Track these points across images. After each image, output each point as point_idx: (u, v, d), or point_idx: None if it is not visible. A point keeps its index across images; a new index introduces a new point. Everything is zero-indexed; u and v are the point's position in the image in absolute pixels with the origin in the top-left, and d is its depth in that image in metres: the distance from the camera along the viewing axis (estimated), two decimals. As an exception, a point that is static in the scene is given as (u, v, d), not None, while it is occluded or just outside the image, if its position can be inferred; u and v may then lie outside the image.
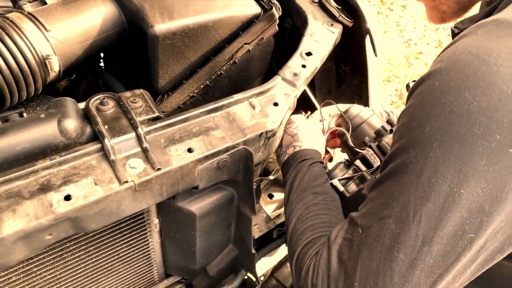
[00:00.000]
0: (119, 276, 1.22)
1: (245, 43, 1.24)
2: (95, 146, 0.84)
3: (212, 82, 1.25)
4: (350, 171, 1.08)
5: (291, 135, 1.12)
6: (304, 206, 0.94)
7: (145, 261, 1.25)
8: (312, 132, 1.13)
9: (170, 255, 1.23)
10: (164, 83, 1.19)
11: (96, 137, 0.85)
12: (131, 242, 1.13)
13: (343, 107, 1.23)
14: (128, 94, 0.96)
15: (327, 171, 1.12)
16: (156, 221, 1.11)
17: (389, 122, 1.15)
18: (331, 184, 1.04)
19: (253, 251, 1.15)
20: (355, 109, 1.20)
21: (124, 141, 0.86)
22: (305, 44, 1.18)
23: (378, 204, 0.68)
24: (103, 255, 1.08)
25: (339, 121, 1.22)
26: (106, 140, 0.83)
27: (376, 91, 1.43)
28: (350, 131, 1.15)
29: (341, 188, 1.04)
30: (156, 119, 0.93)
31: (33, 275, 0.96)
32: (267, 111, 1.02)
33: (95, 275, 1.13)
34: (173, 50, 1.12)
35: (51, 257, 0.95)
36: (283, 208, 1.20)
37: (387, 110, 1.30)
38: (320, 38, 1.22)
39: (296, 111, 1.26)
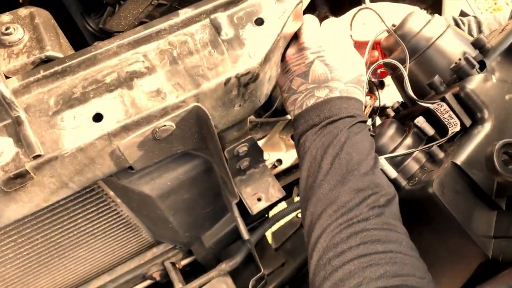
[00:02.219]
0: (104, 244, 1.01)
1: None
2: None
3: (187, -19, 0.80)
4: (409, 138, 0.62)
5: (309, 63, 0.64)
6: (343, 217, 0.53)
7: (126, 227, 1.00)
8: (344, 58, 0.65)
9: (148, 225, 0.96)
10: (108, -13, 0.77)
11: None
12: (98, 211, 0.87)
13: (392, 11, 0.72)
14: (5, 17, 0.57)
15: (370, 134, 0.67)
16: (111, 193, 0.81)
17: (476, 44, 0.62)
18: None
19: (246, 237, 0.82)
20: (415, 21, 0.69)
21: (-22, 109, 0.51)
22: None
23: None
24: (71, 229, 0.85)
25: (390, 41, 0.72)
26: None
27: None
28: (408, 62, 0.65)
29: (394, 174, 0.60)
30: (47, 61, 0.55)
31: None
32: (242, 36, 0.58)
33: (77, 247, 0.93)
34: None
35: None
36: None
37: (473, 16, 0.76)
38: None
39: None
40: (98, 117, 0.53)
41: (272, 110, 1.07)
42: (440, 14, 1.01)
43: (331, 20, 0.74)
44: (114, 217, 0.91)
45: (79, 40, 0.80)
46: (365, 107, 0.72)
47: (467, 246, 0.51)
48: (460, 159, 0.54)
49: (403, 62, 0.66)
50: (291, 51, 0.66)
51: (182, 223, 0.89)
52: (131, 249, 1.08)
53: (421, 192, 0.54)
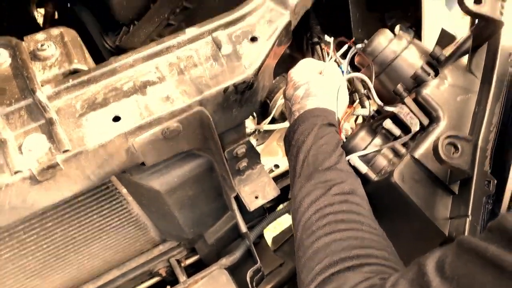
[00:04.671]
0: (115, 240, 1.09)
1: None
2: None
3: (192, 3, 0.91)
4: (378, 139, 0.72)
5: (295, 88, 0.76)
6: (313, 206, 0.63)
7: (135, 225, 1.09)
8: (324, 82, 0.76)
9: (156, 223, 1.05)
10: (123, 10, 0.88)
11: (-18, 106, 0.61)
12: (111, 208, 0.96)
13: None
14: (40, 36, 0.68)
15: (345, 138, 0.77)
16: (124, 190, 0.90)
17: (433, 55, 0.72)
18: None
19: (244, 229, 0.91)
20: (382, 38, 0.79)
21: (18, 111, 0.61)
22: None
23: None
24: (87, 224, 0.94)
25: (360, 58, 0.82)
26: (-11, 112, 0.59)
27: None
28: (373, 75, 0.76)
29: (364, 169, 0.69)
30: (74, 73, 0.66)
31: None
32: (240, 51, 0.68)
33: (90, 243, 1.02)
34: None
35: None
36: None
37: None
38: None
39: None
40: (116, 119, 0.63)
41: (269, 119, 1.17)
42: (420, 32, 1.11)
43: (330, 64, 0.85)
44: (125, 214, 1.00)
45: (96, 56, 0.91)
46: (345, 114, 0.82)
47: (428, 228, 0.60)
48: (418, 152, 0.64)
49: (375, 74, 0.77)
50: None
51: (187, 219, 0.98)
52: (139, 246, 1.17)
53: (385, 182, 0.64)
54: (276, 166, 1.24)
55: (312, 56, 1.17)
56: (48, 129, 0.61)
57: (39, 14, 1.35)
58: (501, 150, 0.64)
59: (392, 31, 1.19)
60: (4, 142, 0.59)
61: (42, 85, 0.63)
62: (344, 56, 0.95)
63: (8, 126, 0.60)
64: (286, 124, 1.21)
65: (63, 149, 0.60)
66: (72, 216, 0.90)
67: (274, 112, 1.15)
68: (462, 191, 0.60)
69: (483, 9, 0.66)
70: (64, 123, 0.62)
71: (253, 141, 1.21)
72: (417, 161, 0.63)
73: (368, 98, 0.85)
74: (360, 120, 0.99)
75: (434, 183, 0.62)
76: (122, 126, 0.63)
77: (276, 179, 1.25)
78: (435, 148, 0.57)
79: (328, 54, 0.94)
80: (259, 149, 1.24)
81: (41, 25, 1.20)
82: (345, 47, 0.91)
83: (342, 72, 0.86)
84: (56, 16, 1.17)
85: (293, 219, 0.65)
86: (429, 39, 1.17)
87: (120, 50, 0.94)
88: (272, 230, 1.69)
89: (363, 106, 0.90)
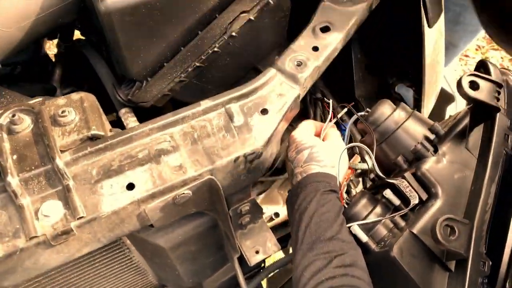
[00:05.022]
0: (114, 285, 1.10)
1: (243, 11, 0.90)
2: (-2, 185, 0.63)
3: (204, 62, 0.95)
4: (378, 207, 0.75)
5: (298, 151, 0.80)
6: (314, 279, 0.64)
7: (135, 272, 1.10)
8: (326, 148, 0.81)
9: (156, 271, 1.06)
10: (138, 68, 0.92)
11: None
12: (114, 257, 0.97)
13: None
14: (61, 101, 0.71)
15: (346, 202, 0.80)
16: (128, 242, 0.92)
17: (432, 130, 0.77)
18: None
19: (244, 287, 0.92)
20: (385, 108, 0.83)
21: (37, 177, 0.63)
22: (322, 13, 0.81)
23: None
24: (88, 272, 0.95)
25: (363, 126, 0.86)
26: (9, 177, 0.61)
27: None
28: (375, 145, 0.80)
29: (365, 238, 0.72)
30: (92, 139, 0.69)
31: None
32: (251, 123, 0.72)
33: (86, 286, 1.02)
34: (139, 27, 0.83)
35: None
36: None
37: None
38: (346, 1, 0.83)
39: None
40: (130, 186, 0.66)
41: (272, 170, 1.19)
42: (421, 91, 1.16)
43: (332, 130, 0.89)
44: (127, 262, 1.01)
45: (107, 105, 0.94)
46: (345, 179, 0.85)
47: (425, 303, 0.62)
48: (416, 228, 0.66)
49: (371, 144, 0.81)
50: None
51: (187, 270, 0.99)
52: (137, 290, 1.17)
53: (384, 255, 0.66)
54: (277, 214, 1.26)
55: (315, 110, 1.21)
56: (65, 195, 0.64)
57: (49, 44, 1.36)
58: (496, 230, 0.67)
59: (393, 89, 1.24)
60: (22, 207, 0.62)
61: (61, 150, 0.66)
62: (346, 114, 1.00)
63: (27, 191, 0.63)
64: (286, 175, 1.24)
65: (78, 216, 0.62)
66: (74, 265, 0.91)
67: (278, 162, 1.18)
68: (458, 269, 0.63)
69: (480, 95, 0.70)
70: (80, 189, 0.65)
71: (254, 190, 1.24)
72: (416, 237, 0.66)
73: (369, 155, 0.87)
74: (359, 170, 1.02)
75: (432, 259, 0.65)
76: (136, 194, 0.65)
77: (276, 228, 1.28)
78: (433, 229, 0.60)
79: (329, 112, 0.98)
80: (260, 197, 1.26)
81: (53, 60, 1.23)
82: (346, 109, 0.95)
83: (343, 135, 0.90)
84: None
85: (296, 280, 0.67)
86: (428, 98, 1.22)
87: (131, 103, 0.97)
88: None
89: (363, 160, 0.93)
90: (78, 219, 0.62)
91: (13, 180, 0.61)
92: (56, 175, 0.64)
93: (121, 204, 0.65)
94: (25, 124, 0.66)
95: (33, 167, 0.63)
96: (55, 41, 1.16)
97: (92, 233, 0.66)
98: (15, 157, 0.64)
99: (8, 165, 0.62)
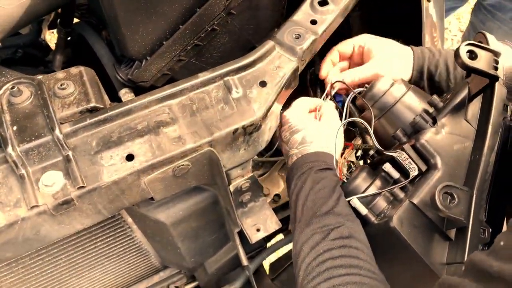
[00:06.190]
0: (116, 266, 1.11)
1: (242, -13, 0.90)
2: (-2, 156, 0.63)
3: (203, 41, 0.95)
4: (378, 181, 0.75)
5: (291, 132, 0.80)
6: (313, 252, 0.65)
7: (137, 252, 1.11)
8: (321, 127, 0.81)
9: (158, 251, 1.07)
10: (137, 46, 0.92)
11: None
12: (115, 235, 0.98)
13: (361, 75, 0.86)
14: (60, 75, 0.72)
15: (345, 178, 0.80)
16: (129, 219, 0.93)
17: (431, 103, 0.76)
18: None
19: (245, 263, 0.93)
20: (383, 83, 0.83)
21: (37, 148, 0.64)
22: (320, -14, 0.81)
23: None
24: (91, 251, 0.96)
25: (361, 102, 0.86)
26: (9, 148, 0.62)
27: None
28: (373, 120, 0.79)
29: (364, 211, 0.72)
30: (91, 111, 0.69)
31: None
32: (249, 95, 0.72)
33: (93, 268, 1.03)
34: (138, 3, 0.83)
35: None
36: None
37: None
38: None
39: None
40: (130, 157, 0.66)
41: (272, 151, 1.20)
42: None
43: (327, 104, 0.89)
44: (128, 242, 1.02)
45: (107, 86, 0.94)
46: (344, 154, 0.86)
47: (425, 272, 0.62)
48: (416, 198, 0.66)
49: (375, 117, 0.80)
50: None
51: (189, 249, 0.99)
52: (140, 272, 1.18)
53: (384, 226, 0.66)
54: (278, 196, 1.26)
55: (315, 90, 1.21)
56: (65, 165, 0.64)
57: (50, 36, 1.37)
58: (496, 199, 0.67)
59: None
60: (23, 177, 0.62)
61: (60, 122, 0.66)
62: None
63: (27, 162, 0.63)
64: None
65: (78, 185, 0.63)
66: (77, 243, 0.92)
67: (277, 144, 1.18)
68: (458, 238, 0.63)
69: (478, 64, 0.70)
70: (80, 160, 0.65)
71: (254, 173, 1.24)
72: (416, 207, 0.66)
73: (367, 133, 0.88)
74: (359, 152, 1.02)
75: (432, 229, 0.65)
76: (135, 165, 0.66)
77: (277, 209, 1.28)
78: (432, 197, 0.60)
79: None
80: (261, 179, 1.26)
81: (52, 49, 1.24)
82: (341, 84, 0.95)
83: (341, 114, 0.90)
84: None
85: (294, 263, 0.67)
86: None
87: (131, 83, 0.98)
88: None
89: (364, 142, 0.93)
90: (78, 188, 0.63)
91: (14, 151, 0.62)
92: (56, 146, 0.64)
93: (121, 174, 0.65)
94: (25, 95, 0.66)
95: (33, 138, 0.64)
96: (56, 38, 1.17)
97: (92, 204, 0.66)
98: (15, 128, 0.64)
99: (9, 135, 0.62)
